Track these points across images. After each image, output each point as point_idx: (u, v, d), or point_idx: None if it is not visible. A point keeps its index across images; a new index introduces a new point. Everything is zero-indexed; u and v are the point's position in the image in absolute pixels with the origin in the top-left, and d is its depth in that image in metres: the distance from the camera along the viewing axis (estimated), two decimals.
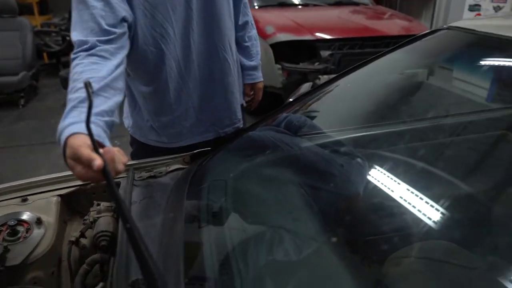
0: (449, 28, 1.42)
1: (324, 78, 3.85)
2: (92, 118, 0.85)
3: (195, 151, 1.44)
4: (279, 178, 1.21)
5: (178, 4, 1.38)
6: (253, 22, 1.82)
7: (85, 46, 1.13)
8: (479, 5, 5.24)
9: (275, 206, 1.11)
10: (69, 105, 0.98)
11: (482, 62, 1.42)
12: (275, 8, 4.78)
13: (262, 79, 1.88)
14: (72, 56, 1.13)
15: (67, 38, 6.23)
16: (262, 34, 4.12)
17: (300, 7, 4.99)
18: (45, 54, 6.65)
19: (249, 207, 1.11)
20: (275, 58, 4.06)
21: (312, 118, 1.49)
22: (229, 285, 0.87)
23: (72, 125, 0.91)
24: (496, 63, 1.40)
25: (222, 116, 1.64)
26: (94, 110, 0.92)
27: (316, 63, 3.99)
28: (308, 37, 4.02)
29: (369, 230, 1.08)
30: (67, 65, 6.34)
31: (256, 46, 1.83)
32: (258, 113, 4.61)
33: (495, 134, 1.41)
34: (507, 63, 1.33)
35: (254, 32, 1.82)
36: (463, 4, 5.54)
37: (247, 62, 1.79)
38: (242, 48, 1.76)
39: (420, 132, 1.46)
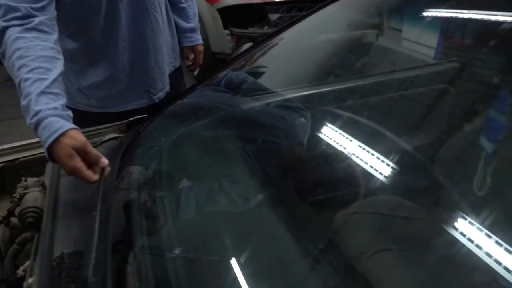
0: None
1: None
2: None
3: (130, 119, 1.32)
4: (217, 139, 1.11)
5: None
6: None
7: (18, 14, 1.04)
8: None
9: (213, 168, 1.02)
10: (33, 87, 0.96)
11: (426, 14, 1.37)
12: None
13: (201, 42, 1.81)
14: (2, 23, 1.03)
15: None
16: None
17: None
18: None
19: (185, 171, 1.02)
20: (223, 24, 3.94)
21: (255, 76, 1.39)
22: (157, 245, 0.79)
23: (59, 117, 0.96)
24: (442, 15, 1.35)
25: (155, 79, 1.53)
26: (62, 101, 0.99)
27: (265, 27, 3.91)
28: (256, 0, 3.90)
29: (314, 185, 1.02)
30: None
31: (193, 7, 1.76)
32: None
33: (437, 88, 1.38)
34: (451, 15, 1.28)
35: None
36: None
37: (185, 24, 1.70)
38: (179, 9, 1.68)
39: (364, 89, 1.40)
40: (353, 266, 0.94)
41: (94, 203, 0.90)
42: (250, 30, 3.93)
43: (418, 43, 1.49)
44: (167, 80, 1.61)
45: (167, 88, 1.62)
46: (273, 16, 3.86)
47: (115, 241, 0.82)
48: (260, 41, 1.50)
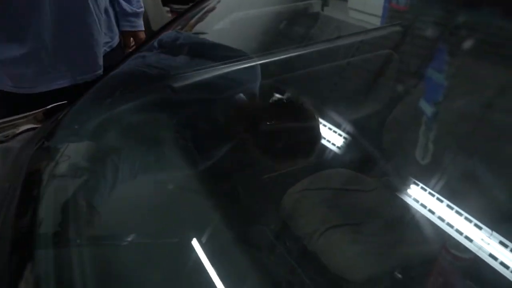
0: None
1: None
2: None
3: (47, 107, 1.14)
4: (148, 112, 0.97)
5: None
6: None
7: None
8: None
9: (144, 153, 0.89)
10: None
11: None
12: None
13: (143, 28, 1.65)
14: None
15: None
16: None
17: None
18: None
19: (106, 164, 0.87)
20: (162, 1, 3.77)
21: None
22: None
23: None
24: None
25: (79, 60, 1.34)
26: None
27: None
28: None
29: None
30: None
31: None
32: None
33: (382, 54, 1.30)
34: None
35: None
36: None
37: (128, 7, 1.56)
38: None
39: (313, 56, 1.30)
40: (305, 246, 0.88)
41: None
42: (190, 6, 3.73)
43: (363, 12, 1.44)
44: (98, 63, 1.42)
45: (99, 71, 1.42)
46: None
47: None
48: (195, 3, 1.34)
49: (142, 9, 1.63)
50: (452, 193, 0.78)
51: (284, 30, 1.47)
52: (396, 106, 1.04)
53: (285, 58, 1.34)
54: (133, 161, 0.89)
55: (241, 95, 1.04)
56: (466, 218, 0.76)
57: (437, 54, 0.99)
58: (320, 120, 1.00)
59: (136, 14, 1.60)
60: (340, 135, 0.99)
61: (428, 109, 0.90)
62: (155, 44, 1.12)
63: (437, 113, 0.87)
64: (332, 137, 1.00)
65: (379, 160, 0.91)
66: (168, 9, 3.82)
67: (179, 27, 1.30)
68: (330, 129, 1.00)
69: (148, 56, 1.07)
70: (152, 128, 0.98)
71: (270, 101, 1.01)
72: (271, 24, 1.48)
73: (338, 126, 0.99)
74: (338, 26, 1.55)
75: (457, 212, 0.78)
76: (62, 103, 1.14)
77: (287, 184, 0.97)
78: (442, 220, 0.79)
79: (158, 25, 3.79)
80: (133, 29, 1.61)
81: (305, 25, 1.52)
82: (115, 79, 1.08)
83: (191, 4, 3.80)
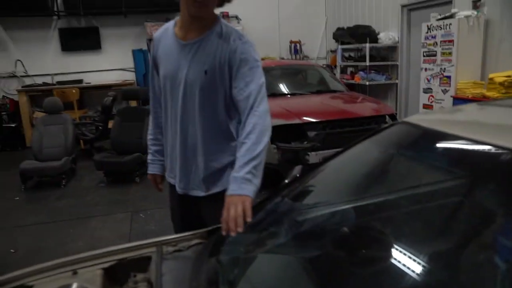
0: (403, 122, 1.57)
1: (312, 154, 3.99)
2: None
3: (209, 228, 1.53)
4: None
5: (175, 92, 1.66)
6: (256, 127, 1.50)
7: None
8: (431, 89, 5.51)
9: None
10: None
11: (431, 146, 1.55)
12: (269, 97, 4.99)
13: (235, 192, 1.41)
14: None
15: (100, 127, 6.49)
16: None
17: (288, 96, 5.23)
18: (81, 141, 6.86)
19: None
20: (271, 139, 4.19)
21: (308, 193, 1.59)
22: None
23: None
24: (444, 144, 1.53)
25: (185, 172, 1.76)
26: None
27: (305, 142, 4.15)
28: (296, 121, 4.22)
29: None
30: (99, 150, 6.54)
31: (246, 155, 1.46)
32: (260, 188, 4.68)
33: (454, 201, 1.50)
34: (450, 145, 1.46)
35: (253, 137, 1.49)
36: (418, 88, 5.82)
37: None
38: (239, 143, 1.54)
39: (392, 202, 1.54)
40: None
41: None
42: (292, 144, 4.16)
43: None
44: (198, 180, 1.72)
45: (199, 189, 1.73)
46: (311, 133, 4.12)
47: None
48: (309, 169, 1.71)
49: (245, 175, 1.43)
50: None
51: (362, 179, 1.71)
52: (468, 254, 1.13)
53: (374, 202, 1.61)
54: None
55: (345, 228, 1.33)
56: None
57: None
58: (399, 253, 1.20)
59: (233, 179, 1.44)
60: (414, 270, 1.10)
61: (502, 265, 0.90)
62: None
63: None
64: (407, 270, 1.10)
65: None
66: (274, 146, 4.16)
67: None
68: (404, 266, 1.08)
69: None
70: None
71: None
72: (350, 175, 1.73)
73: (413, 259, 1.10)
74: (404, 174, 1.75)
75: None
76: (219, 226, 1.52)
77: None
78: None
79: (267, 158, 4.24)
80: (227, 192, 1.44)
81: (377, 175, 1.75)
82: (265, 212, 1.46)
83: (292, 144, 4.18)
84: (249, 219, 1.33)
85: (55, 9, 7.54)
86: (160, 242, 1.48)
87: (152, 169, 1.94)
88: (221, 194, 1.51)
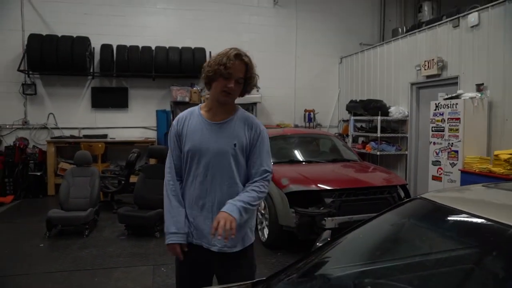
0: (420, 198, 1.86)
1: (328, 220, 4.22)
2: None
3: (254, 281, 1.77)
4: None
5: (202, 158, 2.03)
6: (261, 193, 2.03)
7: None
8: (439, 161, 5.82)
9: None
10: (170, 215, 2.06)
11: (444, 220, 1.82)
12: (287, 164, 5.33)
13: (229, 212, 1.88)
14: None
15: (122, 182, 6.80)
16: (279, 185, 4.60)
17: (304, 163, 5.52)
18: (101, 193, 7.13)
19: None
20: (289, 204, 4.44)
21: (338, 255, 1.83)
22: None
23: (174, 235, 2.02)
24: (455, 218, 1.80)
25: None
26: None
27: (321, 208, 4.38)
28: (313, 187, 4.49)
29: None
30: (119, 203, 6.81)
31: (248, 200, 1.98)
32: (275, 247, 4.87)
33: (465, 268, 1.73)
34: (460, 219, 1.72)
35: (255, 196, 2.00)
36: (427, 159, 6.13)
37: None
38: (247, 188, 2.04)
39: (409, 267, 1.78)
40: None
41: None
42: (309, 209, 4.38)
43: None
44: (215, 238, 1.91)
45: (218, 246, 2.00)
46: (328, 200, 4.37)
47: None
48: (338, 235, 1.96)
49: (237, 211, 1.90)
50: None
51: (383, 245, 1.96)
52: None
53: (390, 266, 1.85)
54: None
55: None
56: None
57: None
58: None
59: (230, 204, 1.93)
60: None
61: None
62: None
63: None
64: None
65: None
66: (293, 210, 4.38)
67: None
68: None
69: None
70: None
71: None
72: (373, 242, 1.98)
73: None
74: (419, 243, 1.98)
75: None
76: (262, 279, 1.77)
77: None
78: None
79: (284, 220, 4.47)
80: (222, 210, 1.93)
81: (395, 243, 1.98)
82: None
83: (309, 209, 4.41)
84: (233, 236, 1.86)
85: (92, 70, 8.21)
86: None
87: (180, 239, 2.04)
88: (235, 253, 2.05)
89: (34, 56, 7.65)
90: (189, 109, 2.17)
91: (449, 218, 1.68)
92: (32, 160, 7.78)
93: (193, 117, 2.10)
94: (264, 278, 1.82)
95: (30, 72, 7.98)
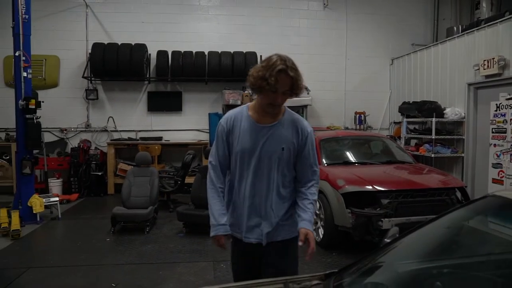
0: (493, 195, 1.87)
1: (385, 221, 4.21)
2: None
3: (327, 272, 1.86)
4: None
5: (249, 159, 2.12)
6: (315, 196, 2.18)
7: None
8: (501, 164, 5.59)
9: None
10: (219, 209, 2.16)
11: None
12: (341, 165, 5.35)
13: (310, 228, 2.09)
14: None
15: (179, 182, 7.11)
16: (335, 186, 4.65)
17: (359, 165, 5.50)
18: None
19: None
20: (346, 204, 4.48)
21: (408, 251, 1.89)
22: None
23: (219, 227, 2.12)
24: None
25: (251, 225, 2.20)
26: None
27: (378, 209, 4.38)
28: (370, 188, 4.50)
29: None
30: (175, 202, 7.12)
31: (312, 210, 2.15)
32: (330, 247, 4.89)
33: None
34: None
35: (314, 200, 2.17)
36: (486, 162, 5.91)
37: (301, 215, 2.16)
38: (306, 198, 2.17)
39: (470, 267, 1.80)
40: None
41: None
42: (366, 210, 4.39)
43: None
44: (263, 229, 2.14)
45: (261, 237, 2.15)
46: (384, 201, 4.36)
47: None
48: (405, 233, 2.01)
49: (310, 216, 2.11)
50: None
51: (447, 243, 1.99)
52: None
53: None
54: None
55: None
56: None
57: None
58: None
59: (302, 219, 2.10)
60: None
61: None
62: None
63: None
64: None
65: None
66: (349, 210, 4.41)
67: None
68: None
69: None
70: None
71: None
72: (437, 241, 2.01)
73: None
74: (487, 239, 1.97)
75: None
76: (333, 271, 1.86)
77: None
78: None
79: (340, 221, 4.50)
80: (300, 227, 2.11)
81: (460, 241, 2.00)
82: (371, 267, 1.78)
83: (366, 209, 4.41)
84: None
85: (148, 75, 8.66)
86: (286, 280, 1.83)
87: (225, 230, 2.15)
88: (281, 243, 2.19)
89: (97, 63, 8.20)
90: (237, 109, 2.22)
91: None
92: (94, 161, 8.30)
93: (242, 118, 2.15)
94: (337, 270, 1.91)
95: (93, 78, 8.56)
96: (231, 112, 2.21)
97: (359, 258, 1.95)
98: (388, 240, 2.00)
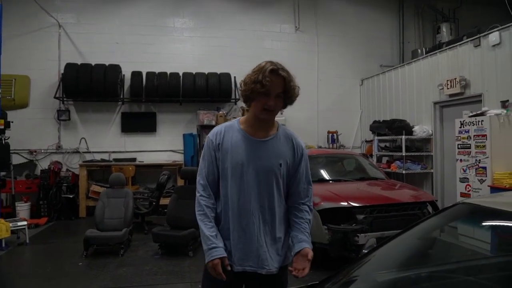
0: (463, 203, 1.95)
1: (361, 236, 4.27)
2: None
3: (308, 284, 1.87)
4: None
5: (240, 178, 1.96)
6: (311, 213, 2.10)
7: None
8: (467, 178, 5.81)
9: None
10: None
11: (486, 224, 1.91)
12: (316, 183, 5.37)
13: (309, 247, 2.05)
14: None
15: (153, 203, 6.98)
16: None
17: (333, 182, 5.57)
18: None
19: None
20: (322, 221, 4.51)
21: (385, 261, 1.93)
22: None
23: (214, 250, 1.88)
24: (496, 223, 1.89)
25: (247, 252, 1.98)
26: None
27: (353, 224, 4.44)
28: (345, 204, 4.57)
29: None
30: (150, 224, 6.96)
31: (308, 229, 2.07)
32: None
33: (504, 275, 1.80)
34: (503, 224, 1.81)
35: (309, 219, 2.09)
36: (454, 177, 6.13)
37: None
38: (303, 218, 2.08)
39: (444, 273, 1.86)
40: None
41: None
42: (342, 226, 4.44)
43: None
44: (264, 259, 1.95)
45: (266, 268, 1.95)
46: (360, 216, 4.43)
47: None
48: (380, 244, 2.05)
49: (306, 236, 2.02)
50: None
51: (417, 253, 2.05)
52: None
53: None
54: None
55: None
56: None
57: None
58: None
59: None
60: None
61: None
62: None
63: None
64: None
65: None
66: (325, 227, 4.42)
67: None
68: None
69: None
70: None
71: None
72: (409, 250, 2.08)
73: None
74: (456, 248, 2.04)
75: None
76: (314, 283, 1.87)
77: None
78: None
79: (317, 237, 4.50)
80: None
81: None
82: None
83: (342, 225, 4.45)
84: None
85: (122, 96, 8.58)
86: None
87: (222, 253, 1.92)
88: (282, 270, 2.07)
89: (69, 83, 8.06)
90: (226, 123, 2.09)
91: (497, 219, 1.77)
92: (65, 183, 8.06)
93: (233, 131, 2.01)
94: (317, 282, 1.92)
95: (65, 99, 8.39)
96: (219, 126, 2.08)
97: (340, 269, 1.97)
98: (366, 251, 2.04)
